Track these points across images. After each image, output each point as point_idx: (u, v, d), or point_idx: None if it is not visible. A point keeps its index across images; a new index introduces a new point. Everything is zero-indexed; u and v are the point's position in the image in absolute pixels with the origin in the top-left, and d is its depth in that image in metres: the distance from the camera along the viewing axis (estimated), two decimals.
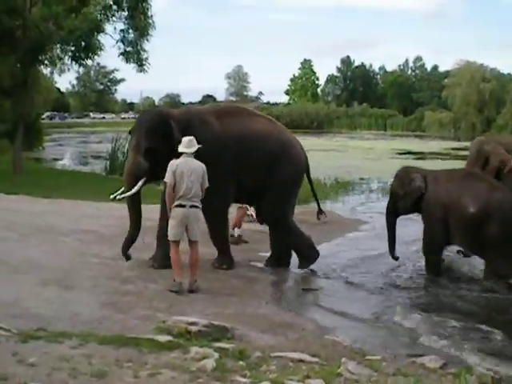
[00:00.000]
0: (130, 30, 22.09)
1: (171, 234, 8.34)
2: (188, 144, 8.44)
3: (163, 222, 9.21)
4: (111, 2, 21.96)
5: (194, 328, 6.14)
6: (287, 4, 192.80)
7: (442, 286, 9.67)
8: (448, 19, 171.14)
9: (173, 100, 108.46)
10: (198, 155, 8.66)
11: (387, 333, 7.46)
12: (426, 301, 9.04)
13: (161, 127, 9.35)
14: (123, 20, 22.16)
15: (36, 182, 19.68)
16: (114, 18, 22.10)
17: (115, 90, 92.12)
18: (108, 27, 22.26)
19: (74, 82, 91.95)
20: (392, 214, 10.85)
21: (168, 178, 8.23)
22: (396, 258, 10.71)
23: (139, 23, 21.72)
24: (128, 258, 9.44)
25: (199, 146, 8.49)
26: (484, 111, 77.27)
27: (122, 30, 22.20)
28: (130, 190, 9.36)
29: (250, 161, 9.70)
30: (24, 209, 13.75)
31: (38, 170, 26.51)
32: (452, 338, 7.35)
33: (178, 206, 8.22)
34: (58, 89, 70.26)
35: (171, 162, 8.33)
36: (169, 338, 5.82)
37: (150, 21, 22.21)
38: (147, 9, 21.98)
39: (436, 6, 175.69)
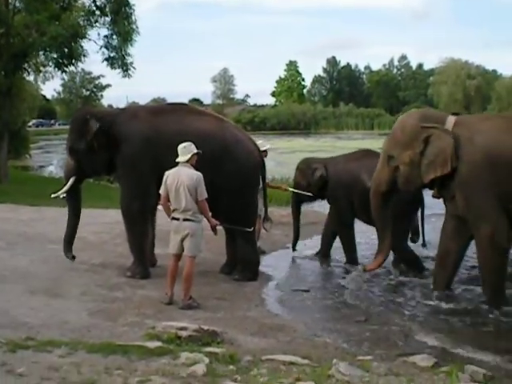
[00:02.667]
0: (114, 36, 22.01)
1: (170, 246, 8.02)
2: (182, 151, 7.89)
3: None
4: (94, 8, 21.91)
5: (183, 333, 6.09)
6: (272, 5, 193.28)
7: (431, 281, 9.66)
8: (432, 18, 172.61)
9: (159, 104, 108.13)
10: (118, 152, 9.20)
11: (379, 333, 7.39)
12: (419, 301, 8.95)
13: (79, 126, 9.58)
14: (106, 25, 22.10)
15: (23, 190, 19.63)
16: (97, 24, 22.05)
17: (101, 95, 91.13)
18: (91, 33, 22.21)
19: (60, 88, 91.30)
20: (297, 205, 11.70)
21: (161, 189, 7.91)
22: (295, 250, 11.58)
23: (122, 28, 21.64)
24: (72, 257, 9.68)
25: (196, 151, 7.91)
26: (470, 108, 77.50)
27: (105, 36, 22.14)
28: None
29: None
30: (11, 217, 13.68)
31: (24, 177, 26.41)
32: (443, 335, 7.35)
33: (172, 218, 7.90)
34: (44, 96, 69.90)
35: (166, 171, 7.95)
36: (158, 344, 5.78)
37: (134, 26, 22.13)
38: (130, 13, 21.90)
39: (420, 6, 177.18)
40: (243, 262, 9.52)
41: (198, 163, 7.97)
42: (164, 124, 9.32)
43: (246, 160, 9.42)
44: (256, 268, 9.65)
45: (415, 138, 8.56)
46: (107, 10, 21.79)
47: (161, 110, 10.25)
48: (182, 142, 8.04)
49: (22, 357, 5.23)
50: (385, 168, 8.99)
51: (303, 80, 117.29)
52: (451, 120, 8.63)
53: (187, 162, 7.86)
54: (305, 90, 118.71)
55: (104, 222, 10.53)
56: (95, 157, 9.42)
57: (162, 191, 7.92)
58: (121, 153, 9.32)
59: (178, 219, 7.82)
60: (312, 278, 10.21)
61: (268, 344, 6.55)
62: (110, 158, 9.41)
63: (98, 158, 9.44)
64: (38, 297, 7.74)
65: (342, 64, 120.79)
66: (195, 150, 7.90)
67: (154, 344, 5.73)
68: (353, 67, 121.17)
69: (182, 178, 7.75)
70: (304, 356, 5.89)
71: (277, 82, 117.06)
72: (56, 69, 22.38)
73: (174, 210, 7.86)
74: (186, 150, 7.88)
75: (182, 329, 6.19)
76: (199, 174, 7.80)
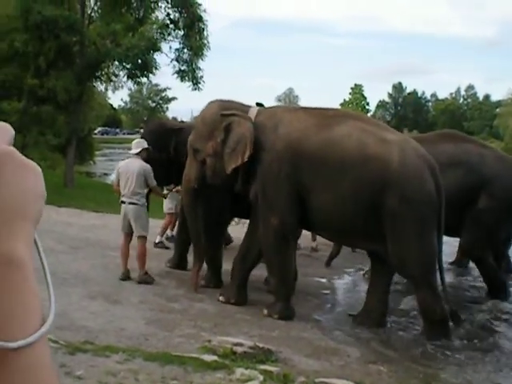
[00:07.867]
0: (185, 50, 22.34)
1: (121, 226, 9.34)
2: (134, 145, 9.43)
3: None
4: (168, 22, 22.28)
5: (239, 349, 6.14)
6: (341, 27, 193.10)
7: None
8: (501, 48, 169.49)
9: None
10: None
11: (435, 365, 7.25)
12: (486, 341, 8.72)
13: (152, 137, 10.58)
14: (179, 39, 22.46)
15: (87, 195, 19.97)
16: (169, 37, 22.42)
17: (167, 108, 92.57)
18: (163, 46, 22.58)
19: (127, 98, 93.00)
20: None
21: (114, 177, 9.34)
22: None
23: (194, 43, 21.97)
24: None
25: (146, 147, 9.40)
26: None
27: (176, 49, 22.49)
28: None
29: None
30: (74, 222, 13.94)
31: (88, 184, 26.91)
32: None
33: (120, 202, 9.23)
34: (111, 105, 71.22)
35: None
36: (214, 357, 5.82)
37: (205, 41, 22.45)
38: (203, 29, 22.22)
39: (490, 35, 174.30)
40: None
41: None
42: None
43: None
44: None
45: (216, 128, 8.47)
46: (180, 24, 22.15)
47: None
48: None
49: (80, 360, 5.34)
50: (193, 163, 8.86)
51: (368, 104, 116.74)
52: (254, 110, 8.59)
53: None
54: (369, 114, 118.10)
55: None
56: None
57: (114, 179, 9.78)
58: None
59: (124, 202, 9.23)
60: None
61: (322, 367, 6.52)
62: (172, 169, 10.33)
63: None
64: (98, 302, 7.88)
65: (408, 90, 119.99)
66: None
67: (209, 357, 5.78)
68: (419, 94, 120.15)
69: (132, 168, 9.16)
70: (357, 382, 5.87)
71: (341, 104, 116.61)
72: (129, 79, 22.82)
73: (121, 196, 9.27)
74: (137, 145, 9.48)
75: (237, 344, 6.24)
76: None
